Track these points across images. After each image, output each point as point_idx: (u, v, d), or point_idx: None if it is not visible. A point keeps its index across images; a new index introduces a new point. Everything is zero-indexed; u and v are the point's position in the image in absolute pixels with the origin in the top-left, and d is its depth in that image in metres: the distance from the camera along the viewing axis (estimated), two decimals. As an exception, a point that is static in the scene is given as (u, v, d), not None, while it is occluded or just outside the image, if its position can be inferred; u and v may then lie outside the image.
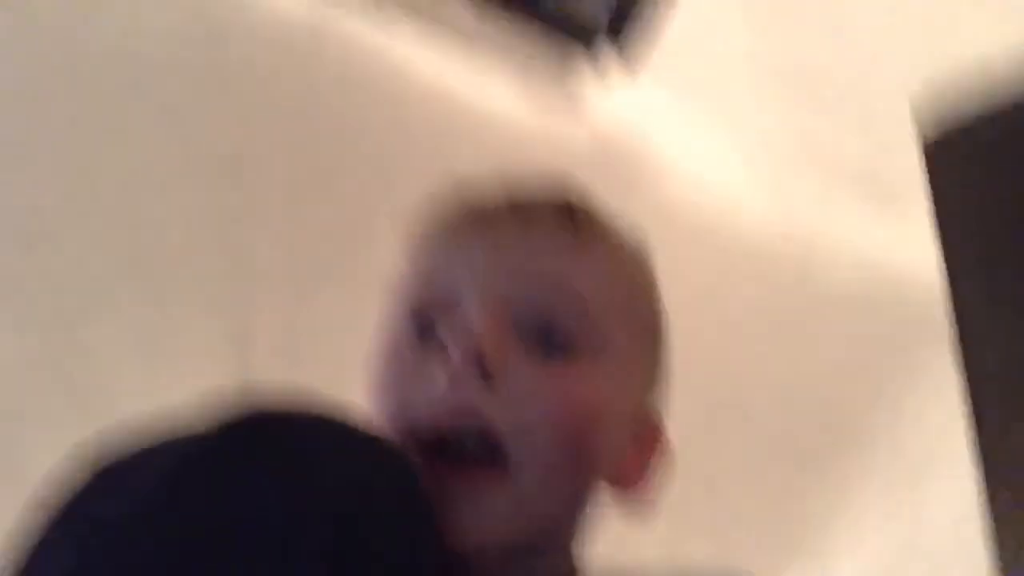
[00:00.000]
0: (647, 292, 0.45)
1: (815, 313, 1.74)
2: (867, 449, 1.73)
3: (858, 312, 1.74)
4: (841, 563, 1.68)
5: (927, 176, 1.08)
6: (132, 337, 1.53)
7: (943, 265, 1.11)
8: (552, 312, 0.38)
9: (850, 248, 1.73)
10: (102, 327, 1.53)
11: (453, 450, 0.36)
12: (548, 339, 0.38)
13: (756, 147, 1.52)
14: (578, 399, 0.37)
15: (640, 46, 0.99)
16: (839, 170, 1.42)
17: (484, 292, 0.38)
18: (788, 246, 1.74)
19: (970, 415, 1.03)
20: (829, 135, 1.32)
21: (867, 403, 1.73)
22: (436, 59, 1.54)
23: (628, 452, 0.42)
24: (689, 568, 0.41)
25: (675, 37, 1.05)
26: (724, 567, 0.42)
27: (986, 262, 1.06)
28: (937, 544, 1.53)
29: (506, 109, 1.63)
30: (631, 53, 0.99)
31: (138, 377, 1.52)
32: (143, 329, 1.54)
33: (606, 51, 1.00)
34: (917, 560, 1.58)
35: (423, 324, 0.39)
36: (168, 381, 1.52)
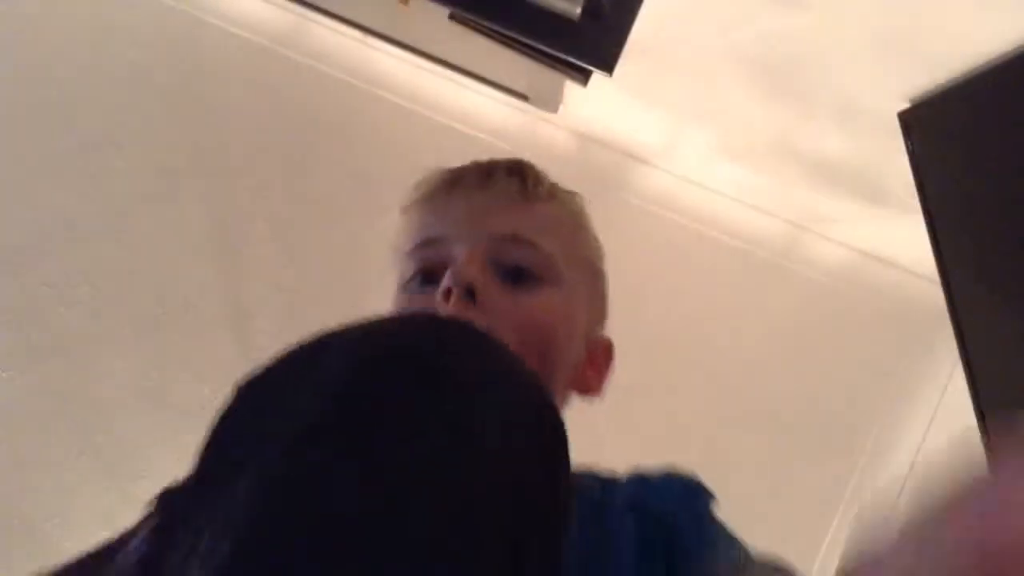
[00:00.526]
0: (586, 237, 0.60)
1: (802, 302, 1.74)
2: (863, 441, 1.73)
3: (847, 302, 1.75)
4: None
5: (908, 147, 1.08)
6: (133, 377, 1.53)
7: (931, 233, 1.12)
8: (516, 256, 0.53)
9: (837, 236, 1.74)
10: (104, 367, 1.52)
11: None
12: (515, 275, 0.52)
13: (737, 141, 1.51)
14: (539, 316, 0.52)
15: (617, 43, 0.99)
16: (824, 163, 1.42)
17: (465, 245, 0.53)
18: (773, 237, 1.75)
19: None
20: (813, 128, 1.32)
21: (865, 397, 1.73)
22: (415, 64, 1.54)
23: (585, 365, 0.56)
24: (643, 468, 0.51)
25: (653, 32, 1.05)
26: (670, 465, 0.50)
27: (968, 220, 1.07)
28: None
29: (488, 112, 1.63)
30: (609, 50, 0.99)
31: (140, 417, 1.52)
32: (144, 369, 1.54)
33: (583, 48, 1.00)
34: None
35: (425, 276, 0.54)
36: (167, 418, 1.51)
